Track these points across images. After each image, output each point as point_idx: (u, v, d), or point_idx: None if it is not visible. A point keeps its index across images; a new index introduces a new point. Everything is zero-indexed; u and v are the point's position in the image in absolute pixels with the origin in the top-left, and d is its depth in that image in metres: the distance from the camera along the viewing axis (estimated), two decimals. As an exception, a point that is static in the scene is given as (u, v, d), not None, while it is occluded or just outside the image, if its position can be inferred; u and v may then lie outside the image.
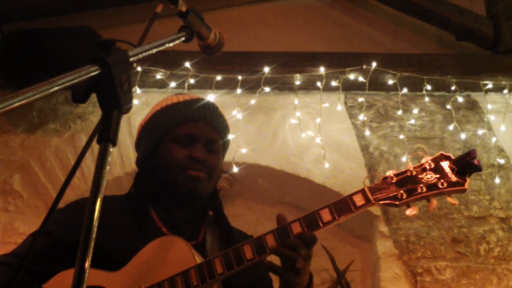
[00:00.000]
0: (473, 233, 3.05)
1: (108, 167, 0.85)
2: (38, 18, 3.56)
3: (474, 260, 2.98)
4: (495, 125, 3.34)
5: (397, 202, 1.49)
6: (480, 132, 3.31)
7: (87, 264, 0.77)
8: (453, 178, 1.49)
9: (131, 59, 0.95)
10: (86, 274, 0.77)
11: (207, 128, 1.77)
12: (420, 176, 1.51)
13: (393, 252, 3.03)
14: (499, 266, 2.97)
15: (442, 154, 1.54)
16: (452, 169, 1.50)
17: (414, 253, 3.01)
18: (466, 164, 1.49)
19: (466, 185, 1.48)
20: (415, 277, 2.96)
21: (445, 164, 1.52)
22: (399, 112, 3.35)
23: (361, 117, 3.35)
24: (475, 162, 1.49)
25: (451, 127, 3.30)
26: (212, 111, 1.80)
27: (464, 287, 2.92)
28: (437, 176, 1.50)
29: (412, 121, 3.33)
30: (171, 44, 1.16)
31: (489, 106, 3.35)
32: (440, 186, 1.48)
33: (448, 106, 3.36)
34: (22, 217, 3.19)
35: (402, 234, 3.06)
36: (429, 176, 1.51)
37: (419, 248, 3.02)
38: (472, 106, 3.41)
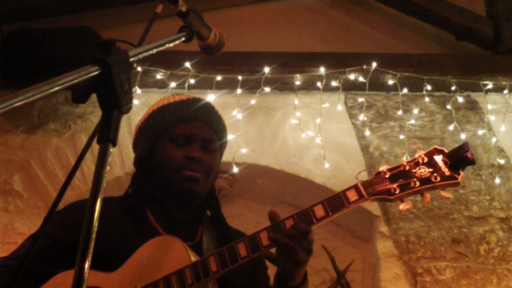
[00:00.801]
0: (473, 233, 3.04)
1: (108, 167, 0.85)
2: (38, 18, 3.56)
3: (474, 260, 2.98)
4: (495, 125, 3.33)
5: (390, 197, 1.49)
6: (480, 132, 3.31)
7: (87, 265, 0.77)
8: (447, 172, 1.48)
9: (131, 59, 0.95)
10: (86, 275, 0.77)
11: (204, 127, 1.76)
12: (413, 170, 1.51)
13: (393, 252, 3.03)
14: (499, 266, 2.97)
15: (435, 148, 1.54)
16: (446, 163, 1.50)
17: (414, 253, 3.01)
18: (459, 158, 1.49)
19: (460, 179, 1.47)
20: (415, 277, 2.96)
21: (438, 158, 1.52)
22: (399, 112, 3.35)
23: (361, 117, 3.35)
24: (468, 155, 1.48)
25: (451, 127, 3.30)
26: (208, 110, 1.80)
27: (464, 287, 2.92)
28: (430, 170, 1.50)
29: (412, 121, 3.33)
30: (171, 44, 1.16)
31: (489, 106, 3.35)
32: (433, 180, 1.48)
33: (448, 106, 3.36)
34: (22, 217, 3.19)
35: (402, 234, 3.06)
36: (422, 170, 1.51)
37: (419, 248, 3.02)
38: (472, 106, 3.41)
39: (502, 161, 3.22)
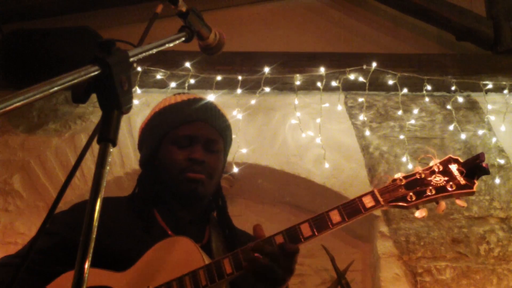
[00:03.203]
0: (473, 233, 3.04)
1: (108, 167, 0.85)
2: (38, 18, 3.56)
3: (474, 260, 2.98)
4: (495, 125, 3.33)
5: (406, 204, 1.50)
6: (480, 132, 3.30)
7: (86, 265, 0.77)
8: (462, 181, 1.51)
9: (131, 59, 0.95)
10: (86, 275, 0.77)
11: (207, 128, 1.75)
12: (429, 178, 1.53)
13: (393, 252, 3.03)
14: (499, 266, 2.97)
15: (450, 157, 1.56)
16: (461, 172, 1.52)
17: (414, 253, 3.01)
18: (475, 167, 1.51)
19: (475, 188, 1.50)
20: (415, 277, 2.96)
21: (453, 167, 1.54)
22: (399, 112, 3.35)
23: (361, 117, 3.35)
24: (484, 165, 1.50)
25: (451, 127, 3.30)
26: (211, 110, 1.79)
27: (464, 287, 2.93)
28: (446, 178, 1.52)
29: (412, 121, 3.33)
30: (171, 44, 1.16)
31: (489, 106, 3.35)
32: (449, 189, 1.50)
33: (448, 106, 3.36)
34: (22, 217, 3.19)
35: (402, 234, 3.06)
36: (438, 178, 1.53)
37: (419, 248, 3.02)
38: (472, 106, 3.41)
39: (502, 161, 3.22)
